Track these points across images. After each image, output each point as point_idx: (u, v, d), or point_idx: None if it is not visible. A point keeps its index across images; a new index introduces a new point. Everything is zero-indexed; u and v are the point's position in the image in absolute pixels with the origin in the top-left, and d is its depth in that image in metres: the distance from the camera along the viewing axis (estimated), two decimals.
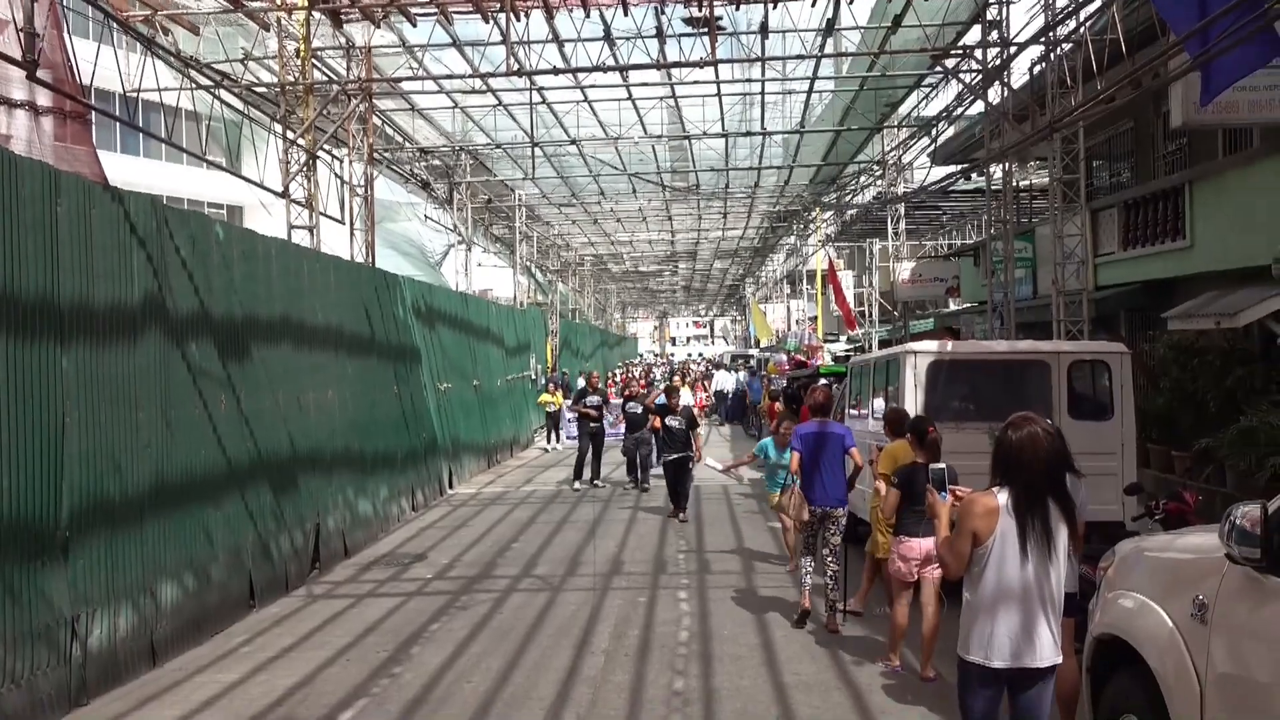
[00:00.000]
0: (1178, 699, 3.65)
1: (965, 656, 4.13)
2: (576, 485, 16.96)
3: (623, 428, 18.96)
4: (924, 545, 6.93)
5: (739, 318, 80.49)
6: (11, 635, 6.14)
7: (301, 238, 13.76)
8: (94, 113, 11.22)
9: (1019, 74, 16.13)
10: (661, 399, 15.89)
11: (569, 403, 22.10)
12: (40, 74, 8.31)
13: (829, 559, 8.22)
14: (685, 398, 16.59)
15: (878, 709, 6.35)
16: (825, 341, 38.19)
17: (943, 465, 4.85)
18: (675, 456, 13.75)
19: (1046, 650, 4.00)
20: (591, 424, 17.11)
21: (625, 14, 13.59)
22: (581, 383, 22.64)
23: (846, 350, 32.78)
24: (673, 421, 13.98)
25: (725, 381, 32.77)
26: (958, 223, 34.90)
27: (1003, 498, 4.06)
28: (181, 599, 8.12)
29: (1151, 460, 12.64)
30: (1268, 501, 3.32)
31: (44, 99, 9.51)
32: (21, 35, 7.60)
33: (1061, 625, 5.09)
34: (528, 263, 31.90)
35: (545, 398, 23.62)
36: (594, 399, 17.60)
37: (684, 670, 7.20)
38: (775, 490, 10.53)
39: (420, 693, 6.84)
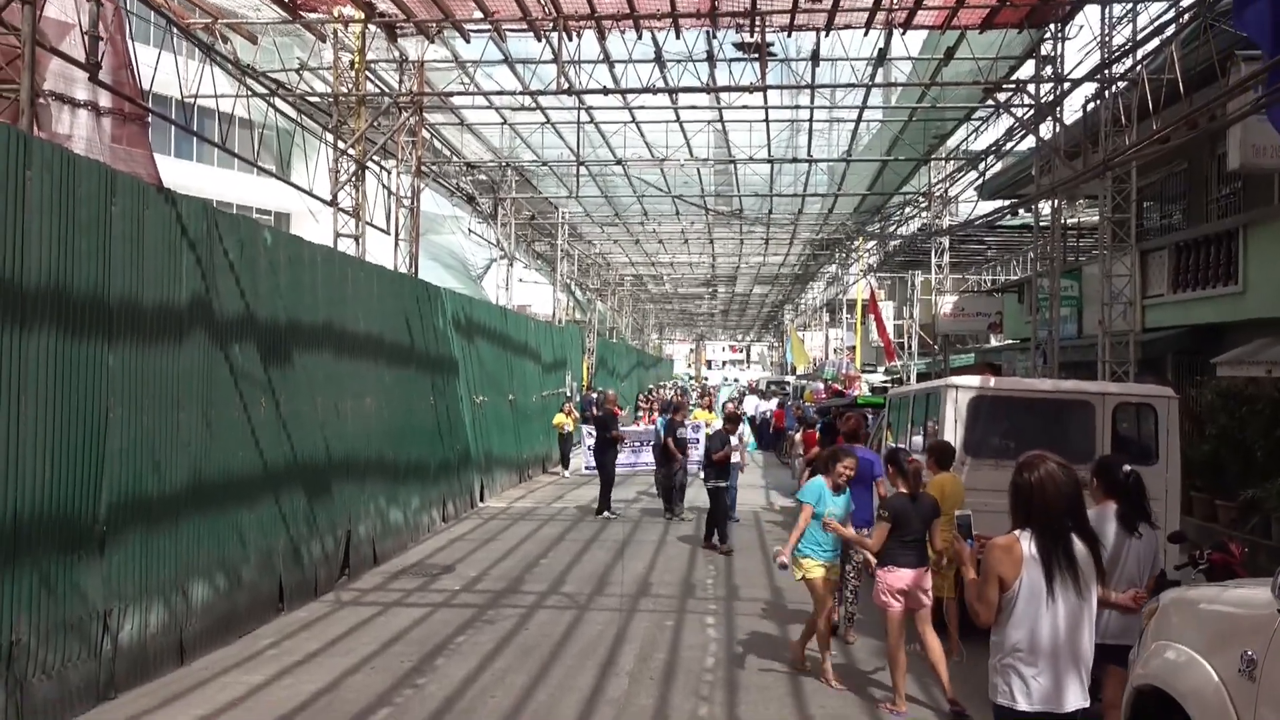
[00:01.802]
0: None
1: (996, 700, 4.10)
2: (607, 514, 15.95)
3: (646, 455, 18.58)
4: (910, 576, 6.98)
5: (776, 344, 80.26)
6: (45, 626, 6.21)
7: (347, 246, 13.91)
8: (151, 116, 11.44)
9: (1072, 110, 16.01)
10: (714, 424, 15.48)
11: (590, 428, 20.30)
12: (101, 76, 8.49)
13: (850, 575, 8.72)
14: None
15: None
16: (863, 371, 37.93)
17: (968, 512, 4.80)
18: (725, 484, 13.22)
19: (1074, 694, 3.98)
20: (616, 448, 16.48)
21: (677, 37, 13.65)
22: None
23: (884, 381, 32.54)
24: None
25: (757, 406, 32.31)
26: (1002, 257, 34.62)
27: (1025, 540, 4.01)
28: (212, 598, 8.17)
29: (1195, 509, 12.37)
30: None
31: (105, 100, 9.69)
32: (86, 38, 7.74)
33: (1116, 675, 4.98)
34: (568, 280, 32.05)
35: (560, 418, 21.39)
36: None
37: (709, 697, 7.12)
38: (820, 557, 7.58)
39: (442, 705, 6.82)
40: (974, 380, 9.43)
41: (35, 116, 6.65)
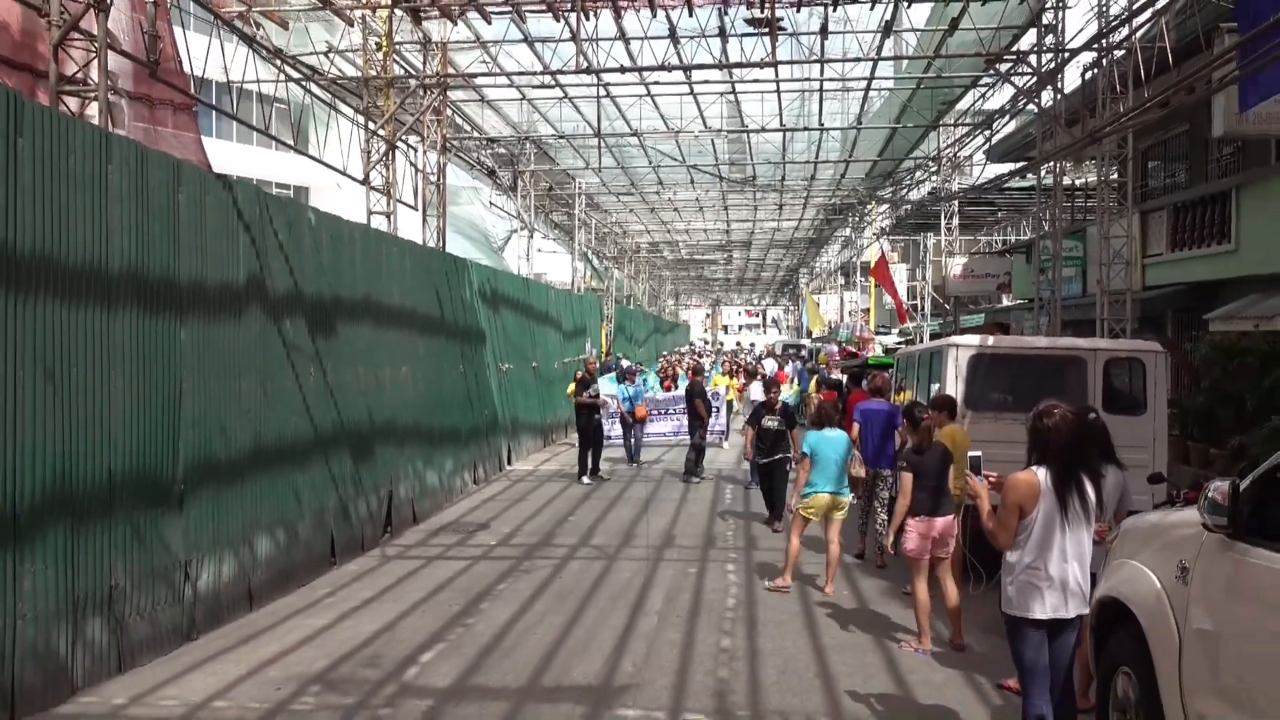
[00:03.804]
0: (1160, 650, 4.22)
1: (1011, 612, 4.84)
2: (584, 480, 15.93)
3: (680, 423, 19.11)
4: (936, 524, 7.51)
5: (791, 308, 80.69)
6: (138, 573, 6.98)
7: (379, 223, 14.56)
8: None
9: (1074, 77, 16.42)
10: (756, 393, 15.73)
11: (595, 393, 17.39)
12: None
13: (879, 510, 9.93)
14: (756, 391, 16.78)
15: (908, 669, 6.95)
16: (877, 333, 38.46)
17: (979, 453, 5.47)
18: (768, 460, 12.40)
19: (1076, 603, 4.75)
20: (594, 415, 16.18)
21: (690, 14, 14.16)
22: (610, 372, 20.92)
23: (898, 342, 33.06)
24: (769, 422, 12.42)
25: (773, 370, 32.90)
26: (1012, 219, 34.98)
27: (1041, 474, 4.71)
28: (274, 552, 8.94)
29: (1191, 457, 12.98)
30: (1239, 479, 3.89)
31: (153, 90, 10.33)
32: (146, 38, 8.36)
33: None
34: (585, 249, 32.64)
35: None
36: (596, 389, 16.51)
37: (731, 631, 7.84)
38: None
39: (492, 641, 7.56)
40: (973, 339, 10.05)
41: (110, 113, 7.30)
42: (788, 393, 19.22)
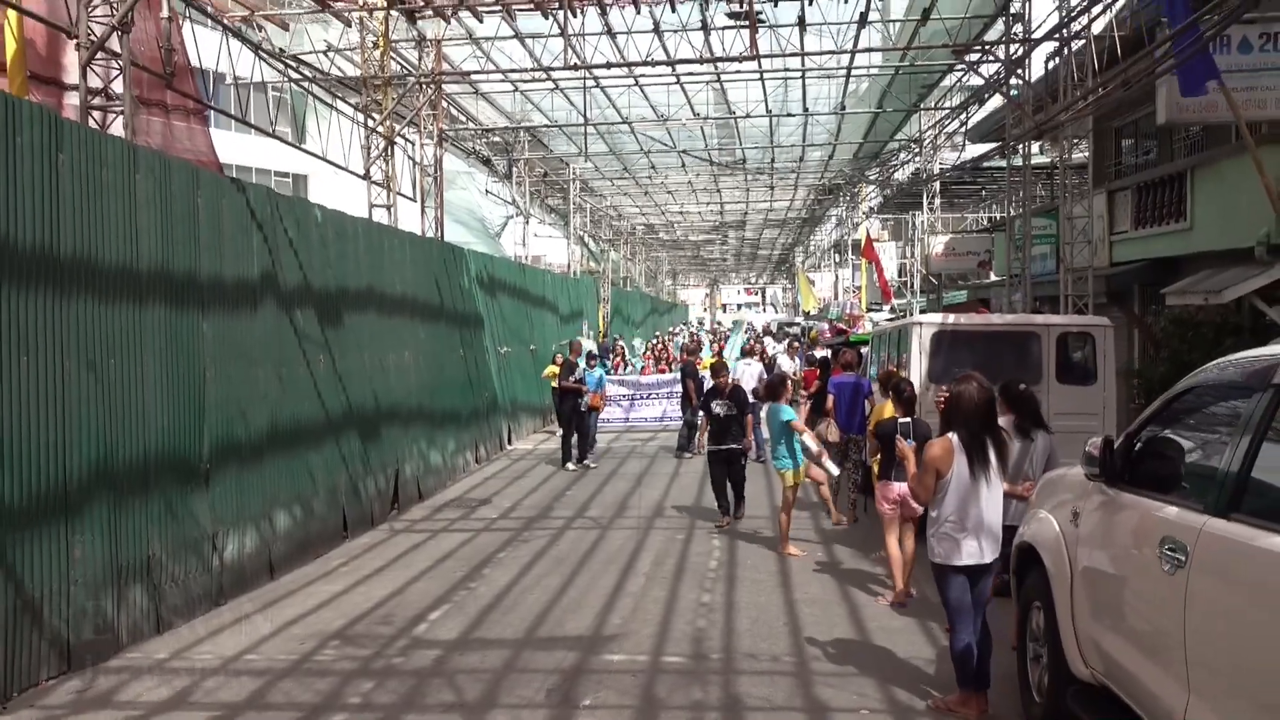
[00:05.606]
0: (1058, 584, 4.96)
1: (935, 561, 5.60)
2: (569, 466, 15.75)
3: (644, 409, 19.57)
4: (901, 488, 8.22)
5: (789, 286, 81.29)
6: (172, 545, 7.73)
7: (380, 215, 15.24)
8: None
9: (1040, 64, 17.04)
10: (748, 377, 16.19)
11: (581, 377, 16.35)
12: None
13: (853, 472, 11.15)
14: (746, 374, 17.03)
15: (869, 618, 7.71)
16: (869, 311, 39.10)
17: (909, 420, 6.20)
18: (718, 449, 11.12)
19: (990, 549, 5.51)
20: (578, 399, 15.86)
21: (673, 10, 14.82)
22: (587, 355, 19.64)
23: (889, 319, 33.75)
24: (718, 407, 11.05)
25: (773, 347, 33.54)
26: (996, 196, 35.59)
27: (955, 439, 5.44)
28: (291, 526, 9.69)
29: None
30: (1113, 436, 4.62)
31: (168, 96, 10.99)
32: (161, 52, 9.03)
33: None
34: (581, 233, 33.27)
35: (552, 369, 17.48)
36: (583, 371, 16.20)
37: (711, 589, 8.60)
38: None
39: (493, 601, 8.32)
40: (936, 317, 10.80)
41: (134, 125, 7.99)
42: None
